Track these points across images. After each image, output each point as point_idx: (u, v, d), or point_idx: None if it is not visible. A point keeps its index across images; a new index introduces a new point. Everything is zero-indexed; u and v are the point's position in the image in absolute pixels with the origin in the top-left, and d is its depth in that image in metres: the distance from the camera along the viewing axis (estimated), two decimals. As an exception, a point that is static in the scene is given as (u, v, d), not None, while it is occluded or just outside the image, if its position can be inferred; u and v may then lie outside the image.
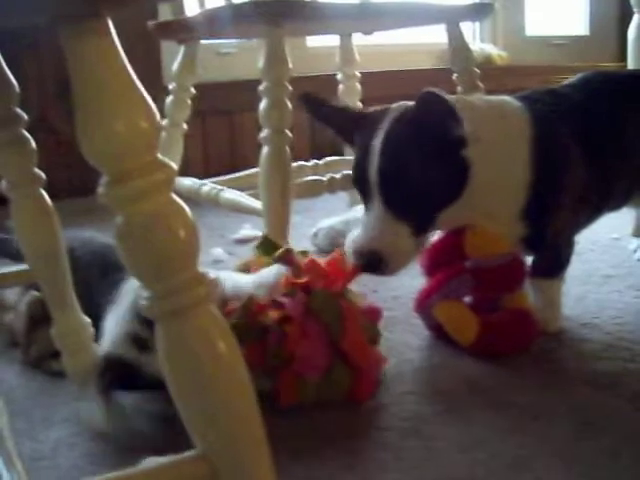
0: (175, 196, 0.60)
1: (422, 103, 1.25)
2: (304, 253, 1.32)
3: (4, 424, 1.02)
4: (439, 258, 1.41)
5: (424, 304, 1.42)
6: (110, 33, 0.57)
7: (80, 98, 0.58)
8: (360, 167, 1.32)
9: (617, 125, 1.51)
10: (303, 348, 1.16)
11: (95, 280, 1.38)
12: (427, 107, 1.25)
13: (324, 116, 1.43)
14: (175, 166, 0.61)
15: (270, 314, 1.19)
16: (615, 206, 1.61)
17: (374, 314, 1.29)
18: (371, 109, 1.38)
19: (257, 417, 0.64)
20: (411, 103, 1.32)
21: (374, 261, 1.27)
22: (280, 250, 1.27)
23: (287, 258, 1.25)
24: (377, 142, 1.29)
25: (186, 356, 0.60)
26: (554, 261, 1.48)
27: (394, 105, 1.36)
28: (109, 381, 1.16)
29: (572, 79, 1.61)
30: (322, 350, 1.17)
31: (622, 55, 4.01)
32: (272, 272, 1.25)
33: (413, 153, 1.27)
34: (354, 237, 1.30)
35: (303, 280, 1.22)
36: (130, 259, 0.60)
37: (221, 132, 3.12)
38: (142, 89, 0.58)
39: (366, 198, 1.32)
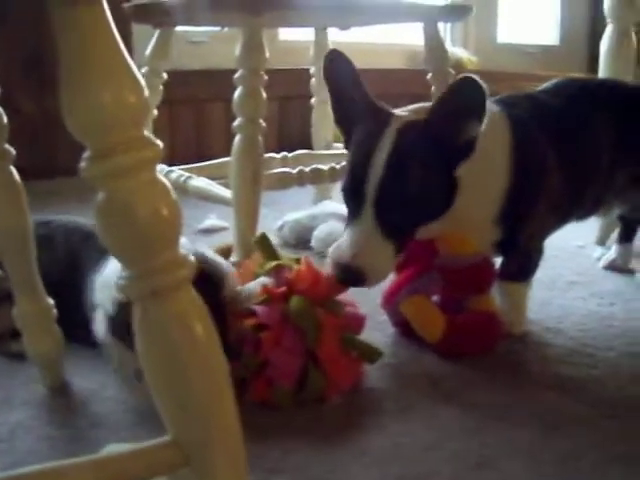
0: (160, 175, 0.58)
1: (459, 88, 1.18)
2: (297, 261, 1.28)
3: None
4: (408, 255, 1.39)
5: (391, 300, 1.41)
6: (101, 2, 0.55)
7: (66, 68, 0.56)
8: (357, 176, 1.24)
9: (590, 132, 1.52)
10: (276, 355, 1.15)
11: (77, 245, 1.38)
12: (462, 91, 1.18)
13: (339, 87, 1.31)
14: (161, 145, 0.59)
15: (246, 322, 1.18)
16: (584, 214, 1.62)
17: (356, 323, 1.28)
18: (381, 108, 1.30)
19: (231, 405, 0.63)
20: (423, 107, 1.29)
21: (355, 277, 1.22)
22: (272, 264, 1.25)
23: (277, 274, 1.23)
24: (381, 154, 1.22)
25: (163, 340, 0.59)
26: (523, 266, 1.48)
27: (406, 110, 1.31)
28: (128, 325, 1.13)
29: (547, 85, 1.61)
30: (296, 358, 1.16)
31: (591, 66, 4.06)
32: (255, 284, 1.22)
33: (419, 171, 1.22)
34: (336, 246, 1.25)
35: (281, 289, 1.20)
36: (110, 237, 0.58)
37: (189, 121, 3.09)
38: (131, 62, 0.57)
39: (355, 209, 1.24)
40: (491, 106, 1.35)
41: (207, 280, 1.10)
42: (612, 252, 1.92)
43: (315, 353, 1.17)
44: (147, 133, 0.58)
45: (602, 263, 1.92)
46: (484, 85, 1.16)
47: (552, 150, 1.42)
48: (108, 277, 1.19)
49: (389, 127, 1.24)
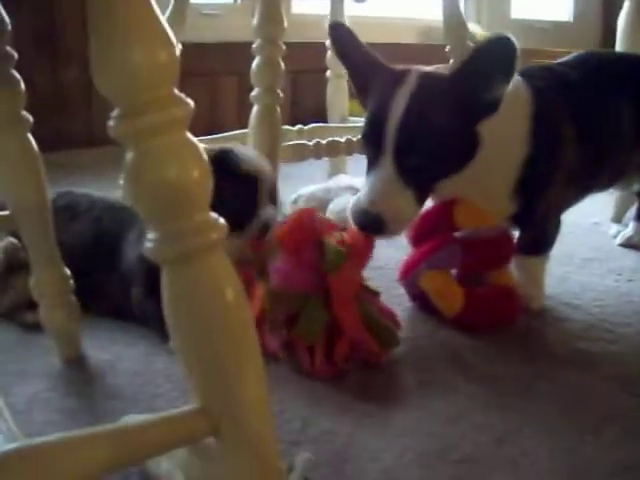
0: (191, 135, 0.57)
1: (493, 44, 1.19)
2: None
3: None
4: (426, 229, 1.38)
5: (409, 273, 1.40)
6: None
7: (95, 26, 0.54)
8: (376, 121, 1.24)
9: (610, 105, 1.51)
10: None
11: (103, 216, 1.39)
12: (495, 47, 1.18)
13: (346, 52, 1.35)
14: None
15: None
16: (602, 187, 1.60)
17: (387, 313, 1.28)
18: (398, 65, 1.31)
19: (261, 373, 0.61)
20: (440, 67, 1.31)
21: (376, 223, 1.22)
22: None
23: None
24: (402, 99, 1.22)
25: (193, 304, 0.57)
26: (541, 239, 1.47)
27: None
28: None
29: (568, 58, 1.59)
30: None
31: (604, 42, 4.02)
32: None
33: (439, 118, 1.21)
34: (357, 196, 1.26)
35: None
36: (139, 197, 0.56)
37: (202, 93, 3.07)
38: (163, 20, 0.55)
39: (375, 155, 1.24)
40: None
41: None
42: (629, 229, 1.90)
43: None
44: (177, 92, 0.56)
45: (619, 240, 1.91)
46: (517, 44, 1.16)
47: (571, 122, 1.41)
48: None
49: (409, 77, 1.24)
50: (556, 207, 1.46)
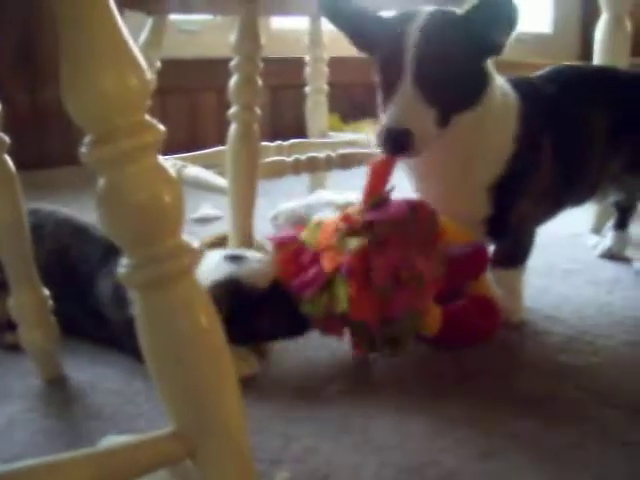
0: (162, 160, 0.57)
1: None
2: None
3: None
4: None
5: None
6: (101, -15, 0.54)
7: (67, 52, 0.54)
8: (393, 52, 1.28)
9: (586, 120, 1.53)
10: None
11: (69, 238, 1.38)
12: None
13: (342, 20, 1.37)
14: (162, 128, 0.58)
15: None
16: (579, 200, 1.62)
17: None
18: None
19: (236, 394, 0.62)
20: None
21: (403, 138, 1.25)
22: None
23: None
24: (416, 30, 1.25)
25: (167, 329, 0.57)
26: (515, 251, 1.48)
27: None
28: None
29: (543, 71, 1.61)
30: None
31: (583, 54, 4.05)
32: None
33: (453, 44, 1.26)
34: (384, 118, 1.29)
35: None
36: (111, 224, 0.56)
37: (181, 110, 3.07)
38: (133, 45, 0.55)
39: (393, 83, 1.27)
40: (504, 81, 1.42)
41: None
42: (607, 240, 1.91)
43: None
44: (148, 117, 0.56)
45: (598, 251, 1.92)
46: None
47: (547, 134, 1.43)
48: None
49: (420, 13, 1.28)
50: (530, 218, 1.47)
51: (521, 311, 1.48)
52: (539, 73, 1.61)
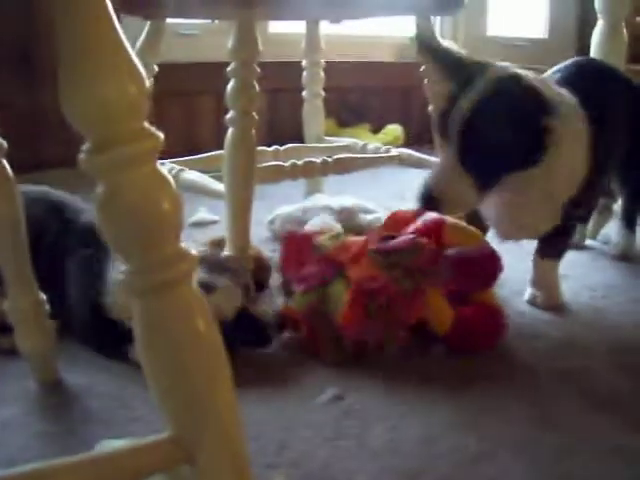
0: (161, 167, 0.58)
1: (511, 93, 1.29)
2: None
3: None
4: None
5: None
6: (101, -8, 0.54)
7: (66, 59, 0.55)
8: (446, 111, 1.32)
9: (612, 113, 1.59)
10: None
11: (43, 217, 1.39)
12: (516, 95, 1.29)
13: (436, 57, 1.44)
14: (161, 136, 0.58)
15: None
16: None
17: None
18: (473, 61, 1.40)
19: (233, 400, 0.62)
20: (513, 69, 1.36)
21: (433, 203, 1.32)
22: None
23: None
24: (473, 94, 1.29)
25: (165, 335, 0.58)
26: (564, 244, 1.59)
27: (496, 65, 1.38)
28: None
29: (566, 68, 1.67)
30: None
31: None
32: None
33: (499, 120, 1.28)
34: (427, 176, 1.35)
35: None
36: (110, 231, 0.57)
37: (179, 114, 3.07)
38: (132, 52, 0.56)
39: (443, 141, 1.34)
40: (569, 97, 1.44)
41: None
42: (619, 240, 1.96)
43: None
44: (147, 124, 0.57)
45: (613, 251, 1.96)
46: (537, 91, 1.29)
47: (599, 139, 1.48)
48: None
49: (486, 74, 1.31)
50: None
51: (560, 297, 1.60)
52: (565, 70, 1.65)
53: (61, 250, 1.34)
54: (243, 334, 1.27)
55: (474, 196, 1.33)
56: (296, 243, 1.40)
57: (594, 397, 1.20)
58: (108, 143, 0.55)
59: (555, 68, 1.68)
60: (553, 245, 1.57)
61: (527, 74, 1.35)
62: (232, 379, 0.63)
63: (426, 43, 1.50)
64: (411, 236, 1.33)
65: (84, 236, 1.34)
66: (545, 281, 1.60)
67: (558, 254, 1.59)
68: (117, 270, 1.27)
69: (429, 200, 1.31)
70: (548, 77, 1.55)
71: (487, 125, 1.28)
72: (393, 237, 1.35)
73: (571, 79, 1.59)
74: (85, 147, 0.56)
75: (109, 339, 1.29)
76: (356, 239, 1.36)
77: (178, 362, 0.58)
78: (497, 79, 1.30)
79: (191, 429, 0.60)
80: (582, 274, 1.80)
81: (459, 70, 1.36)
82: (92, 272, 1.31)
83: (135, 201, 0.55)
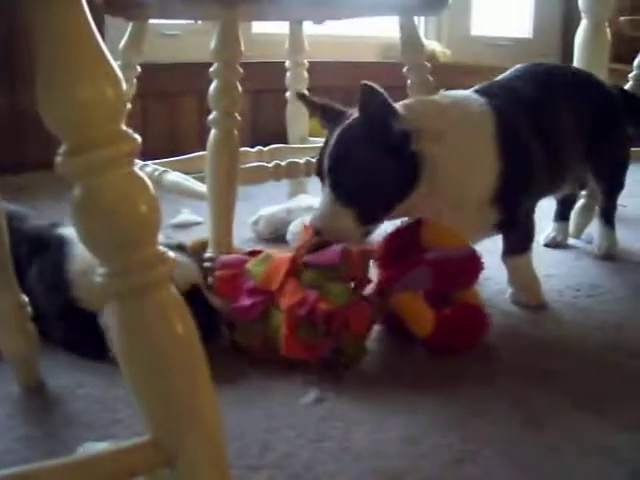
0: (138, 170, 0.57)
1: (361, 96, 1.34)
2: None
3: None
4: (393, 250, 1.40)
5: (379, 295, 1.39)
6: (78, -5, 0.54)
7: (43, 62, 0.54)
8: (320, 154, 1.44)
9: (560, 113, 1.64)
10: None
11: None
12: (365, 100, 1.35)
13: (318, 110, 1.54)
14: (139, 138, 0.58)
15: None
16: (553, 190, 1.77)
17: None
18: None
19: (213, 402, 0.62)
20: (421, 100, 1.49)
21: (322, 237, 1.36)
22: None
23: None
24: (335, 134, 1.40)
25: (144, 337, 0.58)
26: (525, 238, 1.58)
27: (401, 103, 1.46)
28: None
29: (513, 72, 1.72)
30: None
31: (563, 59, 4.07)
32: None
33: (358, 146, 1.37)
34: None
35: None
36: (87, 234, 0.57)
37: (161, 114, 3.06)
38: (109, 55, 0.55)
39: (322, 182, 1.43)
40: (476, 98, 1.51)
41: None
42: (551, 230, 2.05)
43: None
44: (124, 127, 0.57)
45: (542, 241, 2.02)
46: (384, 96, 1.34)
47: (533, 132, 1.52)
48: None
49: (344, 118, 1.43)
50: (532, 209, 1.58)
51: (541, 294, 1.59)
52: (510, 74, 1.72)
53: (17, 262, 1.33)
54: (192, 313, 1.26)
55: (357, 229, 1.39)
56: (230, 268, 1.38)
57: (578, 396, 1.20)
58: (85, 146, 0.55)
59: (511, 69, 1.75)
60: (515, 241, 1.57)
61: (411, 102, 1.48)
62: (212, 380, 0.62)
63: (309, 98, 1.61)
64: (338, 248, 1.31)
65: (34, 243, 1.37)
66: (522, 279, 1.60)
67: (523, 249, 1.58)
68: (78, 262, 1.31)
69: (317, 233, 1.37)
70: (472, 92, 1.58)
71: (347, 162, 1.38)
72: (321, 247, 1.35)
73: (512, 80, 1.68)
74: (62, 150, 0.56)
75: (84, 332, 1.29)
76: (282, 258, 1.35)
77: (157, 364, 0.58)
78: (349, 122, 1.40)
79: (171, 432, 0.60)
80: (566, 273, 1.81)
81: (331, 116, 1.47)
82: (53, 274, 1.33)
83: (112, 203, 0.55)
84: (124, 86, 0.56)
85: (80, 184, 0.55)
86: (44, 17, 0.54)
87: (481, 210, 1.46)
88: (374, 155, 1.37)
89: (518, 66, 1.74)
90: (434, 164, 1.39)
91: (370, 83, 1.32)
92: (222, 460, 0.63)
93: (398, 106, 1.40)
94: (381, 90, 1.33)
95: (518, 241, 1.57)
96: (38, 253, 1.35)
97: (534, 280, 1.60)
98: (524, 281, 1.60)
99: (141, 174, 0.57)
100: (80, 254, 1.32)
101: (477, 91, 1.56)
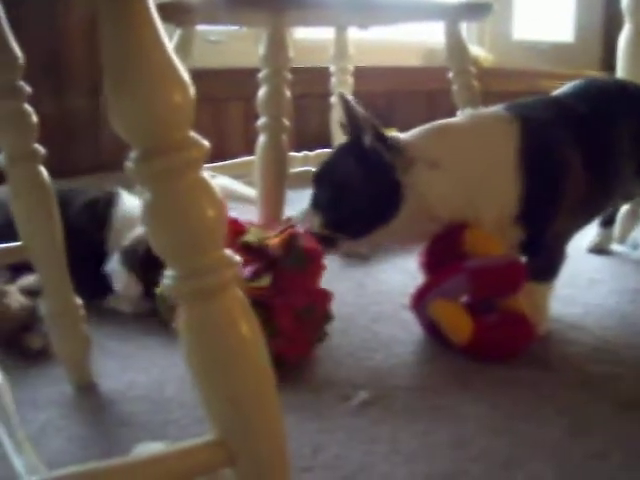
0: (205, 174, 0.59)
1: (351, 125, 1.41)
2: None
3: (9, 402, 0.99)
4: (437, 254, 1.40)
5: (419, 302, 1.40)
6: (147, 1, 0.55)
7: (112, 68, 0.55)
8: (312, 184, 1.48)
9: (614, 135, 1.55)
10: None
11: None
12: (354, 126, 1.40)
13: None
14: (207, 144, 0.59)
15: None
16: (601, 210, 1.69)
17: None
18: None
19: (277, 404, 0.63)
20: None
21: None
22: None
23: None
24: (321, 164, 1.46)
25: (211, 339, 0.59)
26: (549, 266, 1.48)
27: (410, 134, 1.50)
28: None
29: (569, 88, 1.65)
30: None
31: (605, 63, 4.04)
32: None
33: (341, 164, 1.42)
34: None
35: None
36: (157, 237, 0.58)
37: (207, 119, 3.09)
38: (178, 61, 0.57)
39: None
40: (502, 114, 1.45)
41: None
42: (595, 235, 2.03)
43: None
44: (192, 133, 0.58)
45: (587, 247, 2.01)
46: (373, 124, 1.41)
47: (576, 151, 1.44)
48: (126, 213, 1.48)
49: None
50: (564, 234, 1.49)
51: (546, 323, 1.48)
52: (566, 89, 1.64)
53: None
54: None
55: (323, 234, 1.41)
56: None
57: (625, 402, 1.20)
58: (156, 152, 0.56)
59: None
60: (538, 267, 1.46)
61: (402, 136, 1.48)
62: (275, 383, 0.64)
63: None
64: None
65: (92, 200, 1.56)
66: (531, 307, 1.43)
67: (544, 278, 1.47)
68: (123, 210, 1.51)
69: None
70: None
71: (328, 177, 1.44)
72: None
73: (564, 96, 1.62)
74: (132, 155, 0.57)
75: (93, 272, 1.49)
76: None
77: (223, 366, 0.59)
78: (337, 149, 1.47)
79: (236, 432, 0.61)
80: (610, 279, 1.80)
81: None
82: (97, 211, 1.54)
83: (183, 208, 0.56)
84: (192, 91, 0.58)
85: (150, 189, 0.57)
86: (111, 21, 0.55)
87: (502, 229, 1.41)
88: (353, 180, 1.39)
89: (575, 82, 1.67)
90: (422, 192, 1.38)
91: (362, 114, 1.39)
92: (284, 459, 0.64)
93: (400, 136, 1.44)
94: (370, 118, 1.39)
95: (541, 268, 1.47)
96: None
97: (543, 312, 1.48)
98: (532, 309, 1.44)
99: (208, 179, 0.59)
100: (128, 206, 1.51)
101: (511, 107, 1.49)
